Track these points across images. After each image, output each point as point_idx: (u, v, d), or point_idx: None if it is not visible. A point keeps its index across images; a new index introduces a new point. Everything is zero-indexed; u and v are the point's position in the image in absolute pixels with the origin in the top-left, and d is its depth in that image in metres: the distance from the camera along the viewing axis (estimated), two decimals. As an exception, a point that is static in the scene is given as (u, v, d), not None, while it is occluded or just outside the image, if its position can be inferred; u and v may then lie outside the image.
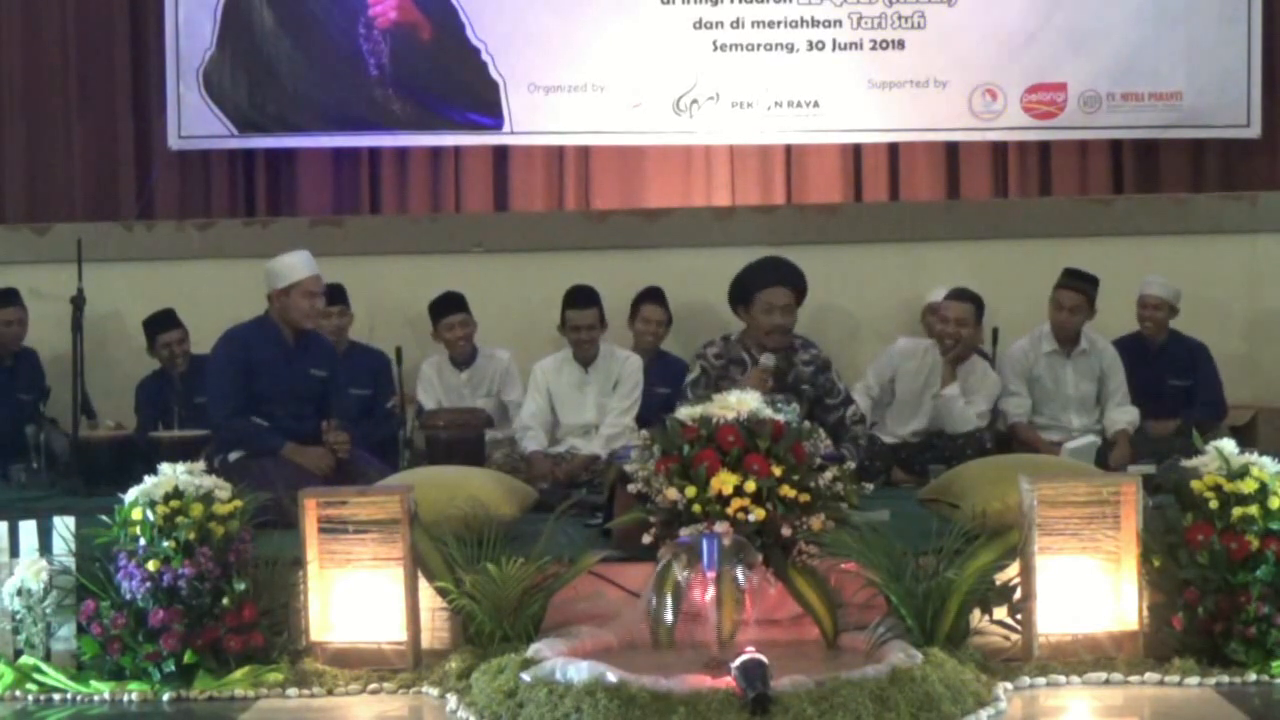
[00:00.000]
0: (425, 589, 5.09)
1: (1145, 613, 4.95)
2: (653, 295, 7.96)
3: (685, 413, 5.12)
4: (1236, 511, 4.86)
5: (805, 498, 4.93)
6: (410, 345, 7.81)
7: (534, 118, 9.29)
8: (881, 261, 8.62)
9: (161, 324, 7.95)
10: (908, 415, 7.48)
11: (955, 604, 4.81)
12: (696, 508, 4.85)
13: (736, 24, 9.26)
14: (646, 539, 4.92)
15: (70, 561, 5.12)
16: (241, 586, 4.96)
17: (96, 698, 4.91)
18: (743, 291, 6.60)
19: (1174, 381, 7.81)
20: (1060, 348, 7.56)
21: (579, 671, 4.37)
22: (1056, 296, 7.53)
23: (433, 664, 4.96)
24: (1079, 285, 7.51)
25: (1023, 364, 7.58)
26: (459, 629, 5.07)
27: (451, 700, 4.67)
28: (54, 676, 4.96)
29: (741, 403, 5.07)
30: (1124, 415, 7.49)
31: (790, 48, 9.26)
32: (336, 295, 7.74)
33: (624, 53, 9.25)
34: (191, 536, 4.93)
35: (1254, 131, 9.24)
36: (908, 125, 9.33)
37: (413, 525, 5.08)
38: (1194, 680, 4.75)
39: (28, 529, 5.18)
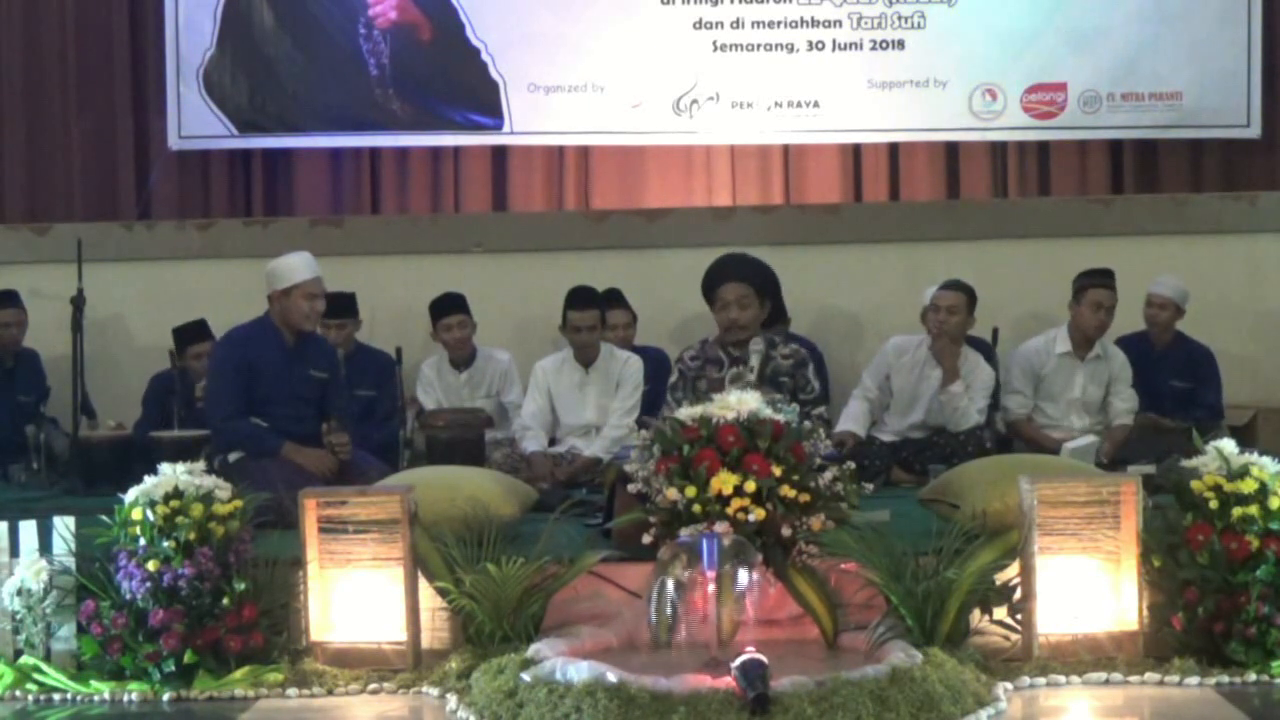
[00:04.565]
0: (425, 589, 5.09)
1: (1145, 613, 4.95)
2: (613, 299, 7.88)
3: (685, 413, 5.12)
4: (1236, 511, 4.86)
5: (805, 498, 4.93)
6: (410, 345, 7.80)
7: (534, 118, 9.30)
8: (881, 261, 8.62)
9: (193, 336, 7.81)
10: (905, 409, 7.48)
11: (955, 604, 4.81)
12: (696, 508, 4.85)
13: (736, 24, 9.27)
14: (646, 539, 4.92)
15: (70, 561, 5.11)
16: (241, 586, 4.95)
17: (96, 698, 4.91)
18: (705, 291, 6.61)
19: (1175, 383, 7.81)
20: (1075, 351, 7.56)
21: (579, 671, 4.37)
22: (1095, 297, 7.47)
23: (433, 664, 4.96)
24: (1109, 282, 7.51)
25: (1033, 363, 7.59)
26: (459, 629, 5.07)
27: (451, 700, 4.67)
28: (54, 676, 4.96)
29: (741, 403, 5.07)
30: (1124, 404, 7.52)
31: (790, 48, 9.26)
32: (347, 307, 7.72)
33: (624, 53, 9.26)
34: (191, 536, 4.93)
35: (1254, 131, 9.25)
36: (908, 125, 9.34)
37: (413, 525, 5.08)
38: (1194, 680, 4.75)
39: (28, 529, 5.18)
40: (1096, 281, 7.52)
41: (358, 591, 5.06)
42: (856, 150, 9.53)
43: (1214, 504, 4.91)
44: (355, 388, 7.40)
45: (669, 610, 4.70)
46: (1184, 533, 4.92)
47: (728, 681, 4.28)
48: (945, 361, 7.34)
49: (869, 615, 4.89)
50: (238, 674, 4.90)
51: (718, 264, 6.64)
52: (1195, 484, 4.97)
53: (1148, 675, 4.79)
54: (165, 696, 4.86)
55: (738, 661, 4.30)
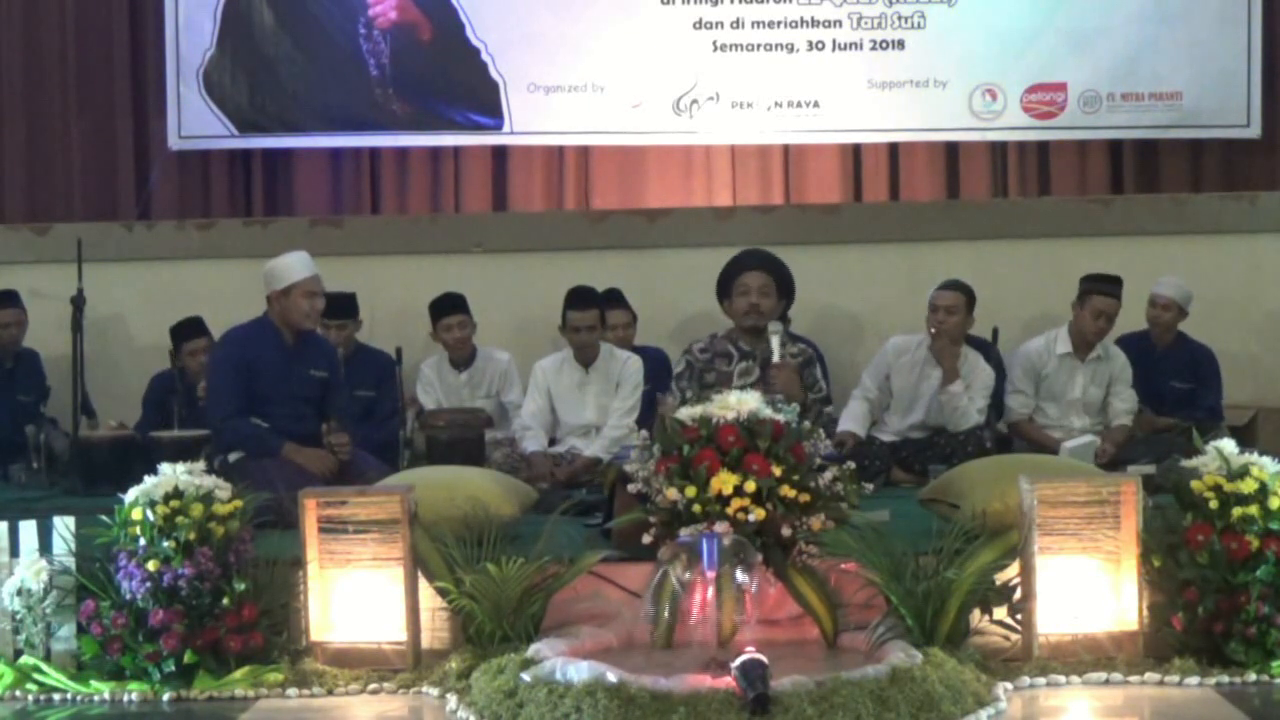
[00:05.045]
0: (425, 589, 5.09)
1: (1145, 613, 4.95)
2: (613, 299, 7.87)
3: (685, 413, 5.12)
4: (1236, 511, 4.86)
5: (805, 498, 4.93)
6: (410, 345, 7.80)
7: (534, 118, 9.30)
8: (881, 261, 8.62)
9: (188, 332, 7.84)
10: (905, 410, 7.48)
11: (955, 604, 4.81)
12: (696, 508, 4.86)
13: (736, 24, 9.26)
14: (646, 539, 4.92)
15: (70, 561, 5.11)
16: (241, 586, 4.95)
17: (96, 698, 4.91)
18: (723, 282, 6.69)
19: (1175, 384, 7.81)
20: (1075, 352, 7.55)
21: (579, 671, 4.37)
22: (1098, 305, 7.43)
23: (433, 664, 4.96)
24: (1115, 291, 7.48)
25: (1034, 363, 7.59)
26: (459, 629, 5.07)
27: (451, 700, 4.68)
28: (54, 676, 4.96)
29: (741, 403, 5.08)
30: (1124, 405, 7.54)
31: (790, 48, 9.26)
32: (347, 307, 7.72)
33: (624, 53, 9.26)
34: (191, 536, 4.93)
35: (1254, 131, 9.26)
36: (908, 125, 9.34)
37: (413, 525, 5.08)
38: (1194, 680, 4.75)
39: (28, 529, 5.18)
40: (1102, 289, 7.48)
41: (358, 591, 5.06)
42: (856, 150, 9.53)
43: (1214, 504, 4.91)
44: (355, 388, 7.40)
45: (669, 610, 4.71)
46: (1184, 533, 4.92)
47: (728, 681, 4.28)
48: (945, 361, 7.34)
49: (869, 615, 4.89)
50: (238, 674, 4.90)
51: (741, 255, 6.77)
52: (1195, 484, 4.97)
53: (1148, 675, 4.79)
54: (165, 696, 4.86)
55: (738, 661, 4.30)
